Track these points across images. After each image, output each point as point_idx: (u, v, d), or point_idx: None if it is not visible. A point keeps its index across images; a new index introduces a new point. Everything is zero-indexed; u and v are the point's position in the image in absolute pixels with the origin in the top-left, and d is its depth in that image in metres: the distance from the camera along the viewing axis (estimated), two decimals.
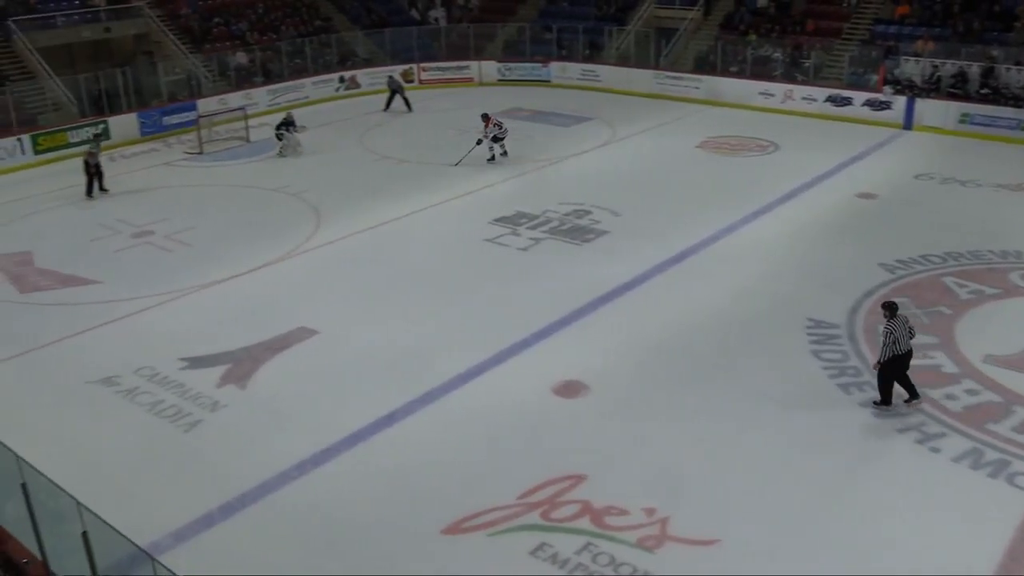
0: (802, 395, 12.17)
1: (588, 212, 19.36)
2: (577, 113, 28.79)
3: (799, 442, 11.15)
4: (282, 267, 17.06)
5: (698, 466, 10.70)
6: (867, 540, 9.43)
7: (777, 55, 29.60)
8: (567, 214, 19.28)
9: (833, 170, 22.03)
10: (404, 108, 29.97)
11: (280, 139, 25.02)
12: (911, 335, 11.52)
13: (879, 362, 11.52)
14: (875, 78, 27.34)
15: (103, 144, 24.76)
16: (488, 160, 23.27)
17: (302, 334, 14.18)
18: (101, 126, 26.43)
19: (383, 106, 30.23)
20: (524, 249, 17.56)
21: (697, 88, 30.05)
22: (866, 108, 26.78)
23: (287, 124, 25.14)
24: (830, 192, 20.49)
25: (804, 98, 27.97)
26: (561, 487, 10.32)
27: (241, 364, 13.30)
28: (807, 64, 28.82)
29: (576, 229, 18.47)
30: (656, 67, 31.62)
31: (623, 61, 32.49)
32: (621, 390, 12.47)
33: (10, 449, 8.06)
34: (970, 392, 12.14)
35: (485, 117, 23.48)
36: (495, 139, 23.43)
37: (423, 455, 11.07)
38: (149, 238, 18.72)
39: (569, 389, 12.43)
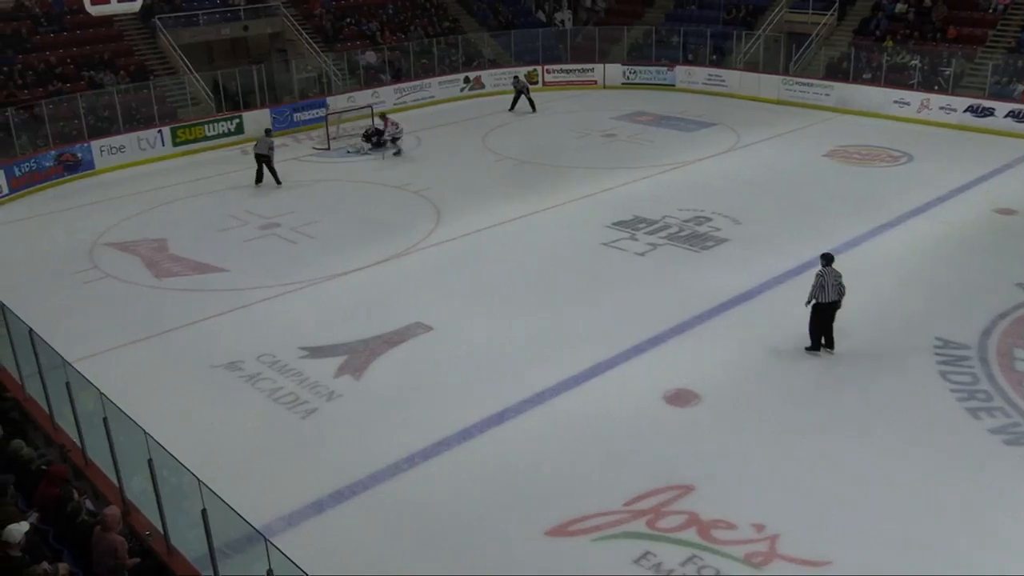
0: (927, 418, 11.66)
1: (708, 219, 19.04)
2: (701, 118, 28.36)
3: (921, 466, 10.68)
4: (401, 263, 17.39)
5: (812, 484, 10.38)
6: (987, 571, 8.96)
7: (915, 62, 28.44)
8: (687, 220, 19.01)
9: (970, 184, 21.03)
10: (529, 109, 30.08)
11: (366, 146, 26.15)
12: (839, 292, 12.91)
13: (807, 303, 13.04)
14: (1020, 88, 25.98)
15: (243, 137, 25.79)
16: (394, 155, 25.21)
17: (418, 329, 14.41)
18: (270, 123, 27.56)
19: (509, 106, 30.42)
20: (641, 254, 17.40)
21: (827, 95, 29.19)
22: (1009, 119, 25.47)
23: (375, 134, 26.16)
24: (966, 206, 19.56)
25: (942, 108, 26.80)
26: (668, 496, 10.17)
27: (358, 356, 13.61)
28: (947, 72, 27.59)
29: (695, 236, 18.19)
30: (785, 73, 30.87)
31: (751, 66, 31.83)
32: (735, 401, 12.21)
33: (139, 426, 8.45)
34: None
35: (383, 117, 26.26)
36: (393, 139, 25.55)
37: (531, 455, 11.10)
38: (276, 230, 19.37)
39: (681, 397, 12.25)
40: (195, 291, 16.42)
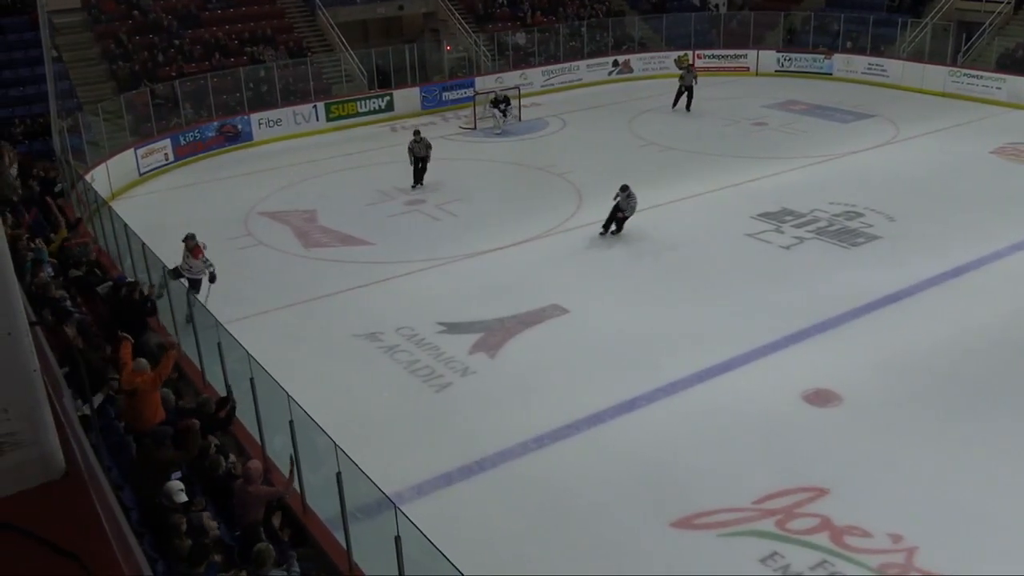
0: None
1: (860, 214, 18.28)
2: (858, 109, 27.21)
3: None
4: (541, 244, 17.45)
5: (958, 499, 9.85)
6: None
7: None
8: (837, 215, 18.32)
9: None
10: (684, 108, 27.72)
11: (497, 113, 26.05)
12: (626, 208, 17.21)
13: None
14: None
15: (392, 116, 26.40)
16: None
17: (554, 311, 14.45)
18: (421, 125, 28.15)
19: (672, 102, 27.96)
20: (787, 248, 16.89)
21: (999, 88, 27.47)
22: None
23: (501, 102, 26.12)
24: None
25: None
26: (801, 498, 9.87)
27: (493, 334, 13.76)
28: None
29: (845, 231, 17.50)
30: (953, 64, 29.24)
31: (915, 56, 30.29)
32: (878, 405, 11.71)
33: (282, 387, 8.79)
34: None
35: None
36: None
37: (660, 445, 10.96)
38: (420, 206, 19.76)
39: (820, 397, 11.84)
40: (341, 262, 16.95)
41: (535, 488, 10.25)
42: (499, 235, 17.76)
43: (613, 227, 17.63)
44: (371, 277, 16.10)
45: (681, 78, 27.84)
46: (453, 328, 13.98)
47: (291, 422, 8.70)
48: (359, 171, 22.84)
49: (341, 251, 17.51)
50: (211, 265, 14.11)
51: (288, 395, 8.66)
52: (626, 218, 17.50)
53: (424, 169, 21.07)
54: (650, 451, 10.86)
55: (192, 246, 14.00)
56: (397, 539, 7.06)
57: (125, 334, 10.13)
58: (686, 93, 27.58)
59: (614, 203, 17.40)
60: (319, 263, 17.01)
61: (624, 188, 17.37)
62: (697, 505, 9.80)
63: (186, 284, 13.50)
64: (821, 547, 9.14)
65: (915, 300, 14.60)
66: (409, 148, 20.93)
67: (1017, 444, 10.77)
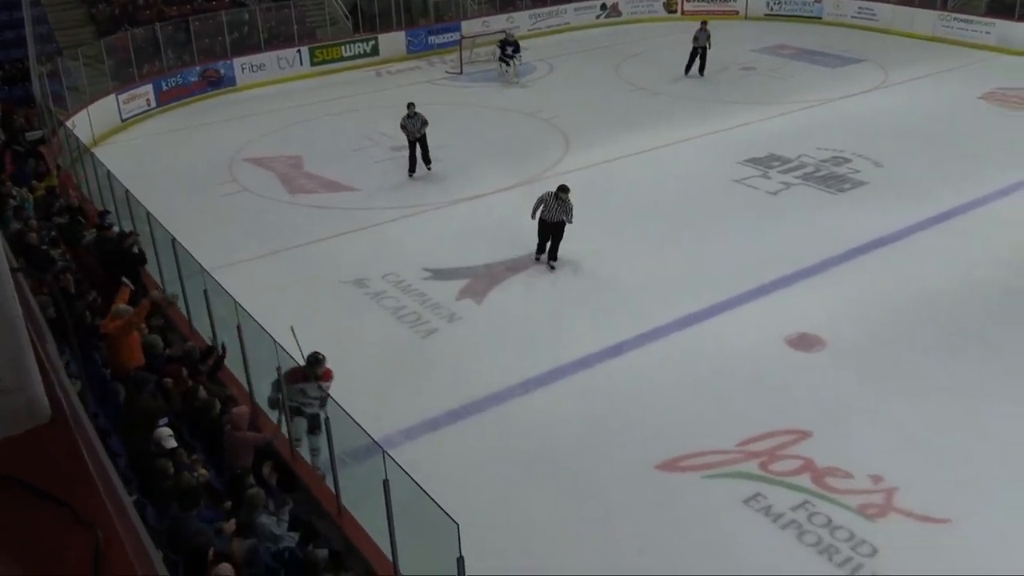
0: None
1: (847, 160, 18.27)
2: (847, 53, 27.03)
3: None
4: (527, 190, 17.33)
5: (939, 440, 10.01)
6: None
7: None
8: (824, 160, 18.30)
9: None
10: (697, 72, 25.10)
11: (503, 63, 25.24)
12: (563, 216, 13.84)
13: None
14: None
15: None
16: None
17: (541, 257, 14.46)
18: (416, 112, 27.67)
19: (684, 68, 25.28)
20: (773, 193, 16.89)
21: (988, 33, 27.31)
22: None
23: (510, 45, 25.23)
24: None
25: None
26: (784, 440, 10.01)
27: (480, 280, 13.78)
28: None
29: (832, 177, 17.50)
30: (943, 8, 29.00)
31: (904, 0, 30.03)
32: (862, 350, 11.83)
33: (269, 334, 8.82)
34: None
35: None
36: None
37: (646, 389, 11.06)
38: (406, 152, 19.56)
39: (804, 342, 11.95)
40: (326, 208, 16.88)
41: (522, 432, 10.36)
42: (485, 181, 17.69)
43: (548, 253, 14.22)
44: (357, 223, 16.05)
45: (695, 39, 24.89)
46: (439, 274, 13.99)
47: (279, 368, 8.75)
48: (344, 116, 22.63)
49: (327, 197, 17.43)
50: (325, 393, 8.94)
51: (275, 341, 8.69)
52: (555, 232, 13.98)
53: (426, 149, 18.13)
54: (636, 395, 10.96)
55: (320, 373, 9.07)
56: (385, 483, 7.15)
57: (126, 281, 10.11)
58: (699, 55, 24.93)
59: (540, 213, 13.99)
60: (304, 209, 16.93)
61: (562, 191, 13.86)
62: (682, 448, 9.92)
63: (287, 416, 9.24)
64: (803, 488, 9.30)
65: (900, 245, 14.66)
66: (401, 125, 17.92)
67: (998, 387, 10.91)
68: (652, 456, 9.82)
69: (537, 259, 14.24)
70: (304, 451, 9.17)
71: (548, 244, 14.14)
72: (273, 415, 9.38)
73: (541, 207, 13.91)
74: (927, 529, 8.77)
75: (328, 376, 9.04)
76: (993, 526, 8.76)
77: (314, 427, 9.00)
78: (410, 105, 17.92)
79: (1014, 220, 15.41)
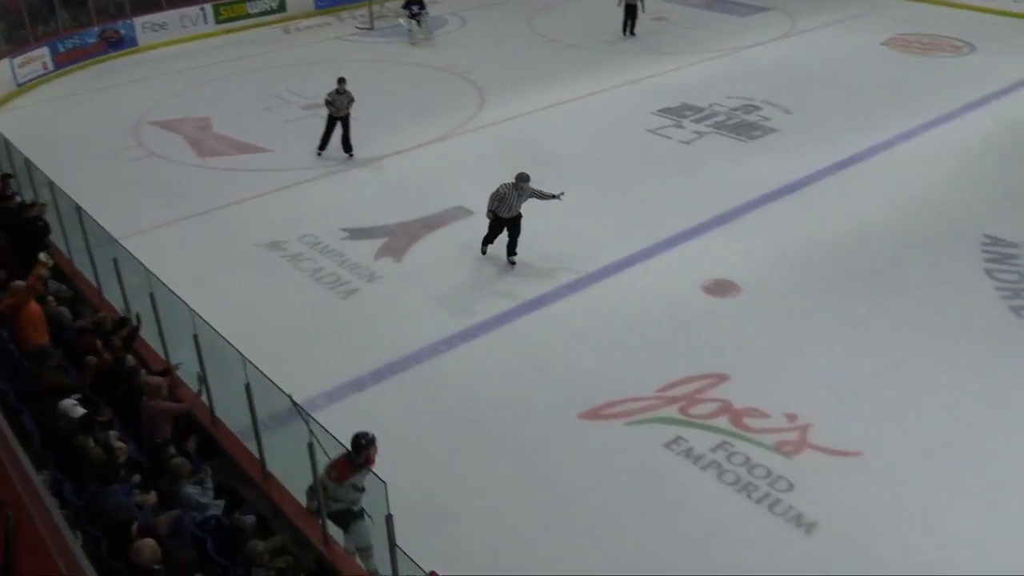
0: (970, 315, 11.54)
1: (757, 108, 18.58)
2: (755, 2, 27.33)
3: (960, 364, 10.62)
4: (443, 146, 17.28)
5: (848, 378, 10.39)
6: (1020, 472, 8.99)
7: None
8: (735, 109, 18.57)
9: None
10: (629, 31, 24.24)
11: (412, 21, 24.62)
12: (520, 208, 12.55)
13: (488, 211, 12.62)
14: None
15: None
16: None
17: (458, 213, 14.42)
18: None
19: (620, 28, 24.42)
20: (687, 143, 17.09)
21: None
22: None
23: (415, 3, 24.68)
24: None
25: None
26: (702, 384, 10.26)
27: (398, 238, 13.70)
28: None
29: (743, 125, 17.79)
30: None
31: None
32: (775, 293, 12.15)
33: (184, 301, 8.64)
34: None
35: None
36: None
37: (567, 341, 11.20)
38: (318, 111, 19.20)
39: (720, 288, 12.22)
40: (238, 171, 16.50)
41: (446, 388, 10.41)
42: (399, 138, 17.50)
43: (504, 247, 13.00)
44: (271, 185, 15.74)
45: None
46: (357, 234, 13.85)
47: (195, 336, 8.58)
48: (253, 76, 22.04)
49: (238, 159, 17.03)
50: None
51: (190, 308, 8.52)
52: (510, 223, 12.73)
53: (348, 131, 16.66)
54: (558, 347, 11.09)
55: (365, 458, 7.34)
56: (310, 445, 7.14)
57: (44, 256, 9.69)
58: (630, 14, 24.04)
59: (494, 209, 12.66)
60: (215, 172, 16.52)
61: (522, 179, 12.59)
62: (604, 396, 10.10)
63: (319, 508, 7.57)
64: (721, 429, 9.58)
65: (811, 190, 15.03)
66: (327, 101, 16.43)
67: (900, 326, 11.34)
68: (575, 406, 9.98)
69: (483, 252, 13.10)
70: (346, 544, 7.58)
71: (501, 238, 12.77)
72: (193, 384, 9.21)
73: (498, 204, 12.45)
74: (839, 462, 9.14)
75: (374, 460, 7.37)
76: (900, 457, 9.16)
77: (355, 518, 7.48)
78: (340, 80, 16.40)
79: (914, 163, 15.92)
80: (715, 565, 8.02)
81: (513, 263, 12.85)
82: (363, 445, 7.25)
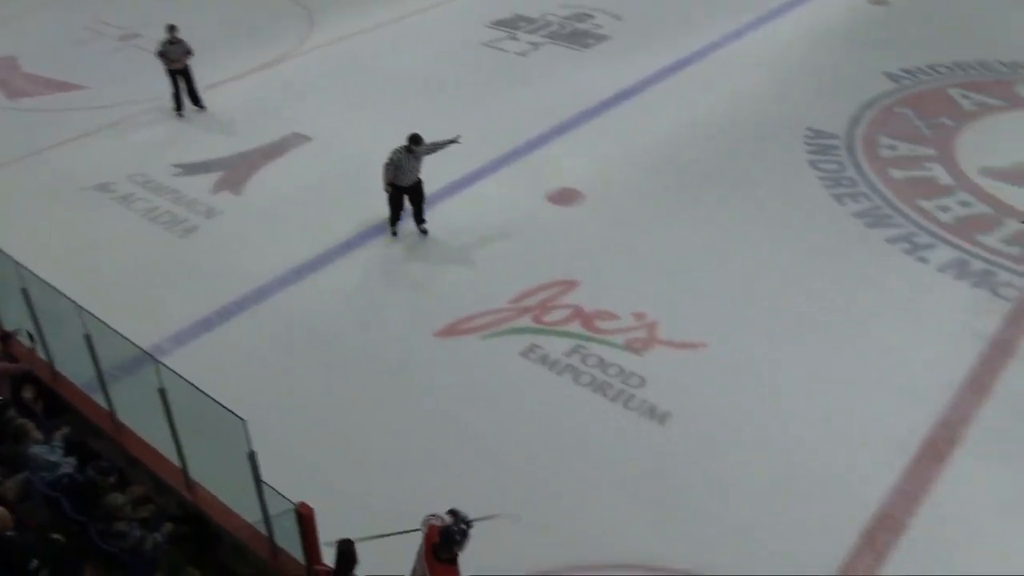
0: (798, 205, 12.19)
1: (589, 16, 18.70)
2: None
3: (793, 252, 11.26)
4: (275, 71, 16.66)
5: (691, 274, 10.86)
6: (854, 347, 9.70)
7: None
8: (567, 18, 18.64)
9: None
10: None
11: None
12: (413, 176, 11.25)
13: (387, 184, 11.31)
14: None
15: None
16: None
17: (296, 140, 14.04)
18: None
19: None
20: (523, 54, 17.09)
21: None
22: None
23: None
24: None
25: None
26: (553, 292, 10.52)
27: (236, 171, 13.24)
28: None
29: (576, 34, 17.90)
30: None
31: None
32: (618, 198, 12.48)
33: (8, 255, 8.14)
34: (963, 204, 12.15)
35: None
36: None
37: (418, 260, 11.22)
38: (136, 41, 18.15)
39: (564, 197, 12.44)
40: (54, 111, 15.47)
41: (298, 319, 10.28)
42: (228, 66, 16.73)
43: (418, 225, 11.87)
44: (92, 124, 14.83)
45: None
46: (191, 169, 13.30)
47: (24, 290, 8.13)
48: (59, 8, 20.49)
49: (53, 99, 15.93)
50: None
51: (15, 261, 8.04)
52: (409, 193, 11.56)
53: (192, 82, 14.94)
54: (410, 267, 11.10)
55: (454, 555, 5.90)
56: (161, 391, 6.94)
57: None
58: None
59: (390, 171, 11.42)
60: (29, 115, 15.43)
61: (414, 142, 11.33)
62: (458, 312, 10.21)
63: None
64: (574, 334, 9.87)
65: (645, 95, 15.35)
66: (160, 53, 14.71)
67: (739, 219, 11.89)
68: (431, 325, 10.06)
69: (394, 233, 11.66)
70: None
71: (408, 209, 11.64)
72: (25, 340, 8.75)
73: (395, 172, 11.27)
74: (687, 354, 9.61)
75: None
76: (742, 346, 9.70)
77: None
78: (171, 28, 14.55)
79: (740, 62, 16.46)
80: (578, 462, 8.35)
81: (425, 231, 11.66)
82: (457, 540, 5.65)
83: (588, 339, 9.79)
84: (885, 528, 7.67)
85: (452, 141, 11.68)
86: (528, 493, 7.99)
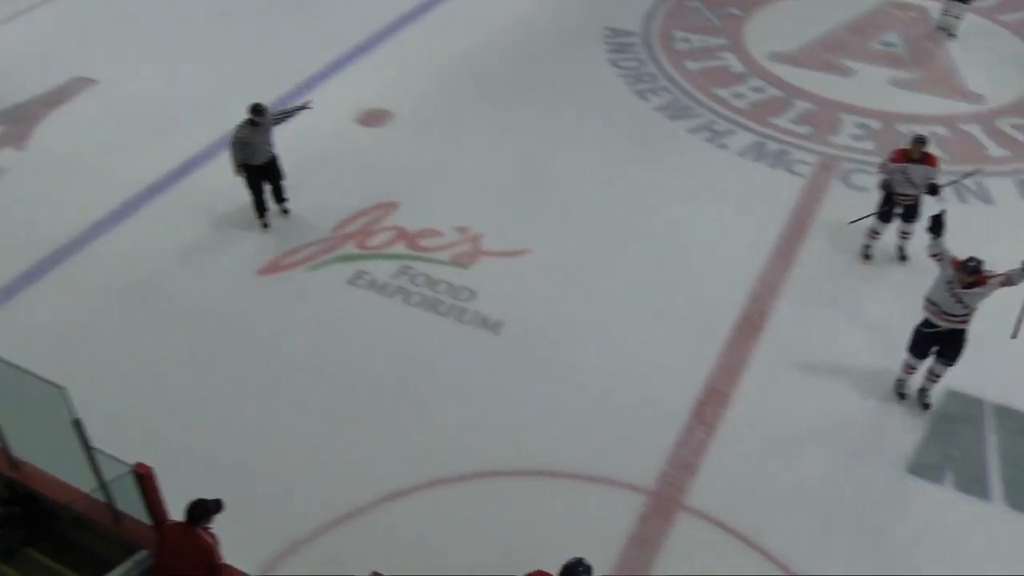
0: (603, 105, 12.50)
1: None
2: None
3: (602, 151, 11.57)
4: (43, 12, 15.33)
5: (508, 183, 10.99)
6: (669, 237, 10.16)
7: None
8: None
9: None
10: None
11: None
12: (265, 152, 9.94)
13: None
14: None
15: None
16: None
17: (80, 85, 13.09)
18: None
19: None
20: None
21: None
22: None
23: None
24: None
25: None
26: (374, 216, 10.43)
27: (17, 124, 12.25)
28: None
29: None
30: None
31: None
32: (427, 113, 12.38)
33: None
34: (756, 90, 12.80)
35: None
36: None
37: (229, 199, 10.68)
38: None
39: (373, 117, 12.24)
40: None
41: (110, 274, 9.75)
42: None
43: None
44: None
45: None
46: None
47: None
48: None
49: None
50: None
51: None
52: None
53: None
54: (222, 208, 10.63)
55: None
56: None
57: None
58: None
59: None
60: None
61: (257, 113, 9.85)
62: (280, 247, 9.97)
63: None
64: (400, 255, 9.86)
65: (440, 8, 15.09)
66: None
67: (548, 121, 12.09)
68: (253, 263, 9.79)
69: (264, 225, 10.28)
70: None
71: (270, 192, 10.33)
72: None
73: (243, 151, 9.85)
74: (512, 262, 9.79)
75: None
76: (564, 248, 9.99)
77: None
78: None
79: None
80: (419, 380, 8.43)
81: (287, 210, 10.46)
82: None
83: (414, 258, 9.80)
84: (713, 402, 8.21)
85: (301, 108, 10.40)
86: (375, 416, 8.05)
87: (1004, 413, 8.04)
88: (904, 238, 9.56)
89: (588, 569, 5.23)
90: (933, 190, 9.02)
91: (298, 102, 10.79)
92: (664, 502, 7.36)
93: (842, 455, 7.78)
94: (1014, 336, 7.68)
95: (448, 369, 8.57)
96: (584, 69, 13.28)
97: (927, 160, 8.96)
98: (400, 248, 9.95)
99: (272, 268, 9.75)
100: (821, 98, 12.55)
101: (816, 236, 10.12)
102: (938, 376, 7.94)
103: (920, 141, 8.94)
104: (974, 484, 7.46)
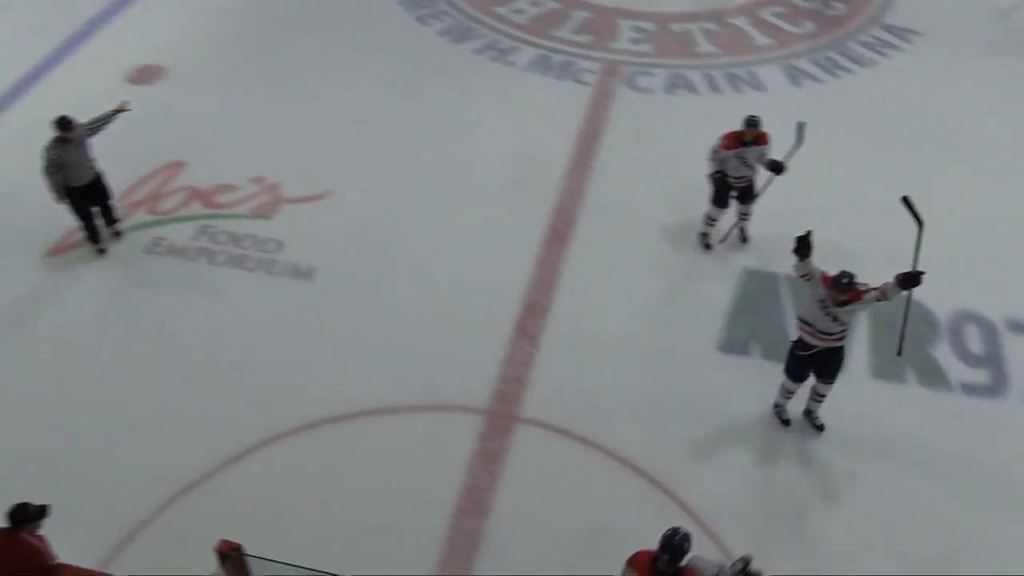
0: (385, 36, 12.32)
1: None
2: None
3: (391, 83, 11.42)
4: None
5: (300, 127, 10.67)
6: (468, 161, 10.19)
7: None
8: None
9: None
10: None
11: None
12: (86, 171, 8.73)
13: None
14: None
15: None
16: None
17: None
18: None
19: None
20: None
21: None
22: None
23: None
24: None
25: None
26: (162, 178, 9.92)
27: None
28: None
29: None
30: None
31: None
32: (201, 65, 11.76)
33: None
34: (534, 4, 12.96)
35: None
36: None
37: (8, 176, 9.86)
38: None
39: (145, 75, 11.52)
40: None
41: None
42: None
43: None
44: None
45: None
46: None
47: None
48: None
49: None
50: None
51: None
52: None
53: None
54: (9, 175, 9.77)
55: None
56: None
57: None
58: None
59: None
60: None
61: (64, 128, 8.52)
62: (65, 226, 9.22)
63: None
64: (197, 215, 9.44)
65: None
66: None
67: (330, 62, 11.80)
68: (38, 245, 9.09)
69: (101, 251, 9.09)
70: None
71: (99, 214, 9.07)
72: None
73: (58, 172, 8.54)
74: (316, 206, 9.59)
75: None
76: (366, 185, 9.89)
77: None
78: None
79: None
80: (240, 340, 8.20)
81: (120, 232, 9.26)
82: (684, 549, 5.20)
83: (213, 217, 9.41)
84: (533, 315, 8.41)
85: (118, 111, 8.99)
86: (196, 385, 7.79)
87: (795, 281, 8.64)
88: (743, 219, 9.16)
89: (687, 537, 5.19)
90: (776, 167, 8.53)
91: (113, 106, 9.20)
92: (500, 418, 7.54)
93: (657, 347, 8.18)
94: (899, 354, 7.31)
95: (265, 324, 8.36)
96: (361, 2, 12.95)
97: (759, 140, 8.53)
98: (196, 208, 9.51)
99: (60, 248, 9.09)
100: (596, 6, 12.81)
101: (610, 139, 10.43)
102: (822, 396, 7.48)
103: (752, 124, 8.46)
104: (776, 351, 8.03)
